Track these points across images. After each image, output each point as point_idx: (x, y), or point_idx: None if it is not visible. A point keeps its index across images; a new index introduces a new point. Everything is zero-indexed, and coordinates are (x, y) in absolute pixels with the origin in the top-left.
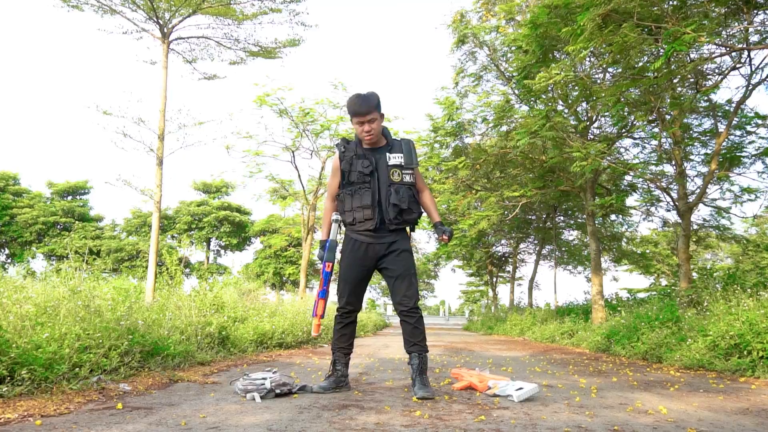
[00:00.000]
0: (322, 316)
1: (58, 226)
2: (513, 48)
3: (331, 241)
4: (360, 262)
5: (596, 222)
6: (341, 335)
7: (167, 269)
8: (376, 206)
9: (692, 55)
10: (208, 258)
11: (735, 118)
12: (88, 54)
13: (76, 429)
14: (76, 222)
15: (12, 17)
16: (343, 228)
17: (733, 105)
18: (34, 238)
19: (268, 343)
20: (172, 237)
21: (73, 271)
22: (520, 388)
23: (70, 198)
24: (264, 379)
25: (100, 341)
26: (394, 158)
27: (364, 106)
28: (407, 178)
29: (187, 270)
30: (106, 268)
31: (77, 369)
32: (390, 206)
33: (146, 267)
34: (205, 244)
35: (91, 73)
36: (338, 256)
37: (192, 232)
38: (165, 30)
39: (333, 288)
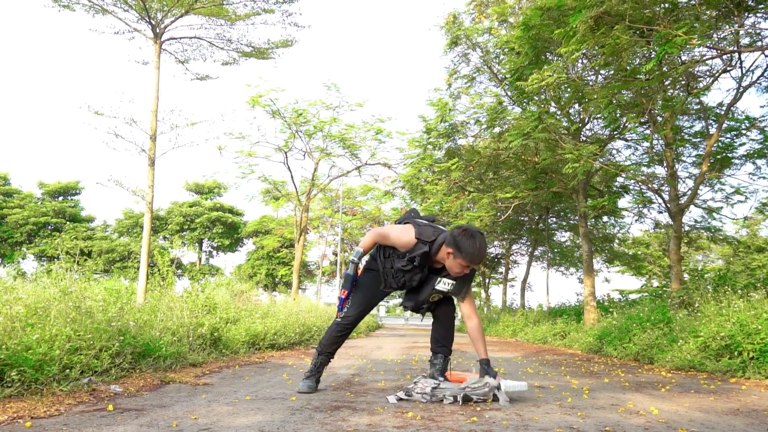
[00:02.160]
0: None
1: (49, 227)
2: (506, 50)
3: (347, 275)
4: (377, 294)
5: (588, 223)
6: (335, 341)
7: (159, 270)
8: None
9: (684, 58)
10: (200, 259)
11: (726, 121)
12: (79, 54)
13: (66, 431)
14: (67, 222)
15: (2, 17)
16: (363, 262)
17: (724, 107)
18: (24, 238)
19: (261, 345)
20: (164, 238)
21: (64, 272)
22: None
23: (61, 198)
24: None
25: (91, 342)
26: (444, 284)
27: (482, 260)
28: (437, 298)
29: (179, 271)
30: (98, 269)
31: (68, 370)
32: (421, 307)
33: (138, 268)
34: (197, 244)
35: (83, 73)
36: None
37: (184, 232)
38: (157, 30)
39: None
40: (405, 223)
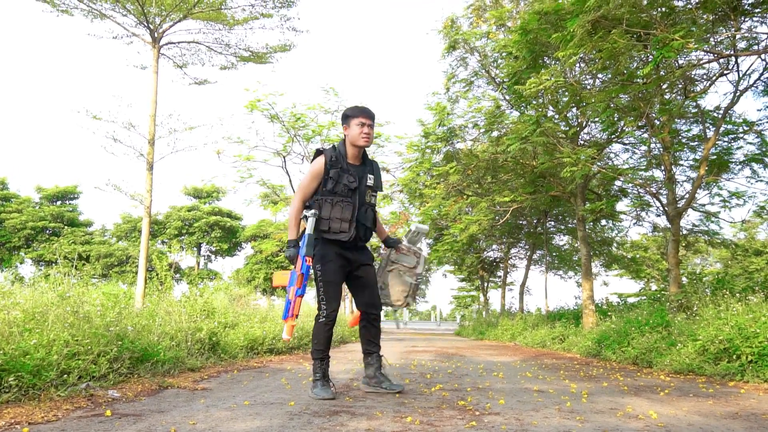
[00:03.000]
0: (296, 317)
1: (47, 231)
2: (503, 54)
3: (309, 236)
4: (342, 266)
5: (587, 227)
6: (328, 338)
7: (157, 275)
8: (354, 222)
9: (681, 62)
10: (198, 263)
11: (723, 124)
12: (77, 58)
13: None
14: (66, 227)
15: (0, 22)
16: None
17: (722, 111)
18: (22, 243)
19: (259, 349)
20: (163, 242)
21: (62, 277)
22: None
23: (59, 203)
24: None
25: (89, 347)
26: (370, 180)
27: (371, 112)
28: (373, 200)
29: (178, 275)
30: (96, 274)
31: (65, 376)
32: (360, 225)
33: (136, 272)
34: (195, 249)
35: (81, 77)
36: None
37: (182, 237)
38: (155, 35)
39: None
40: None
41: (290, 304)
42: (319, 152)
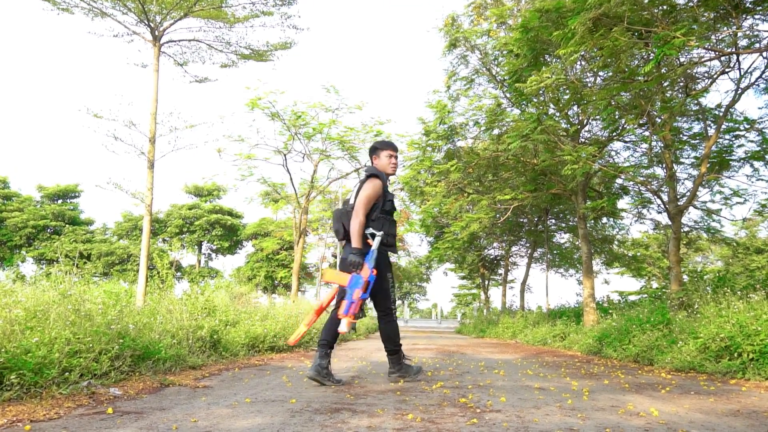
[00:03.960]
0: (356, 316)
1: (48, 230)
2: (504, 52)
3: (374, 252)
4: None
5: (588, 225)
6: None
7: (158, 273)
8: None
9: (682, 59)
10: (199, 261)
11: (724, 122)
12: (78, 57)
13: None
14: (67, 225)
15: (1, 20)
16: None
17: (723, 109)
18: (23, 241)
19: (260, 347)
20: (164, 240)
21: (63, 275)
22: None
23: (60, 201)
24: None
25: (91, 345)
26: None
27: (396, 145)
28: None
29: (179, 274)
30: (97, 272)
31: (67, 373)
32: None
33: (137, 271)
34: (196, 247)
35: (82, 75)
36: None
37: (183, 235)
38: (156, 33)
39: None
40: (368, 180)
41: (352, 303)
42: (374, 175)
